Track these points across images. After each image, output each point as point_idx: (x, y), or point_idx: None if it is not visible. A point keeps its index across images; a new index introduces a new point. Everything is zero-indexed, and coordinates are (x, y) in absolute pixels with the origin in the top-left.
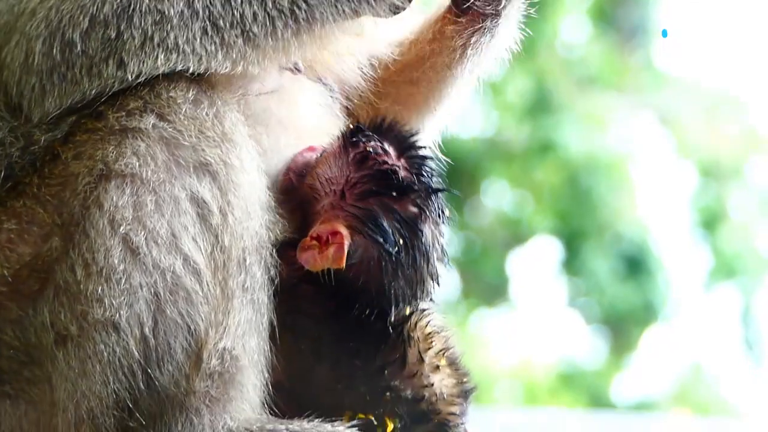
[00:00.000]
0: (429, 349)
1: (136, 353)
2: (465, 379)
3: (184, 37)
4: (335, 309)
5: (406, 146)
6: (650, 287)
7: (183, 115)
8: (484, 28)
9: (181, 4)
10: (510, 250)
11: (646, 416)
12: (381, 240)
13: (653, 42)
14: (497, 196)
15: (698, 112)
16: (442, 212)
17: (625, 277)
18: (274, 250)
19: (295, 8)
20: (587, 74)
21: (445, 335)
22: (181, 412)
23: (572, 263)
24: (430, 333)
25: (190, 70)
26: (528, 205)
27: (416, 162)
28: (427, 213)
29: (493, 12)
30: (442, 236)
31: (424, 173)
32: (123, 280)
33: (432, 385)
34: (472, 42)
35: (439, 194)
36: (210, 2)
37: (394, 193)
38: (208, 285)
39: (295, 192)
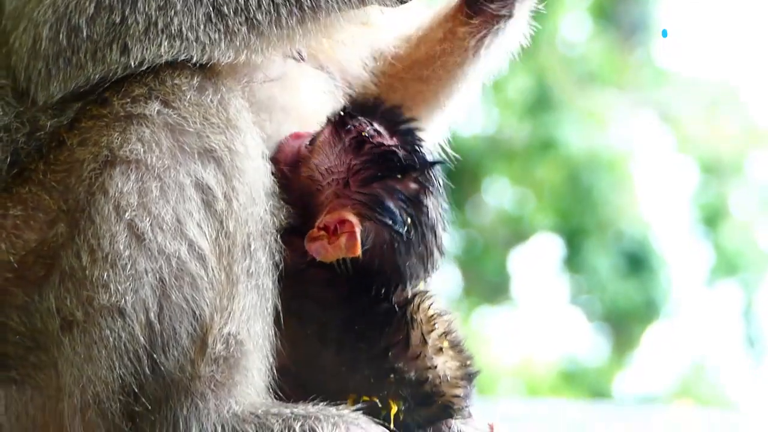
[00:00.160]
0: (432, 331)
1: (142, 338)
2: (468, 362)
3: (188, 24)
4: (343, 293)
5: (395, 124)
6: (652, 284)
7: (188, 102)
8: (497, 29)
9: None
10: (511, 247)
11: (648, 408)
12: (390, 222)
13: (653, 39)
14: (498, 194)
15: (699, 108)
16: (439, 183)
17: (627, 275)
18: (278, 236)
19: None
20: (588, 71)
21: (447, 318)
22: (187, 397)
23: (574, 260)
24: (432, 315)
25: (194, 59)
26: (529, 202)
27: (409, 138)
28: (428, 187)
29: (507, 14)
30: (443, 207)
31: (418, 148)
32: (128, 266)
33: (435, 367)
34: (485, 43)
35: (435, 166)
36: None
37: (397, 174)
38: (213, 270)
39: (292, 184)
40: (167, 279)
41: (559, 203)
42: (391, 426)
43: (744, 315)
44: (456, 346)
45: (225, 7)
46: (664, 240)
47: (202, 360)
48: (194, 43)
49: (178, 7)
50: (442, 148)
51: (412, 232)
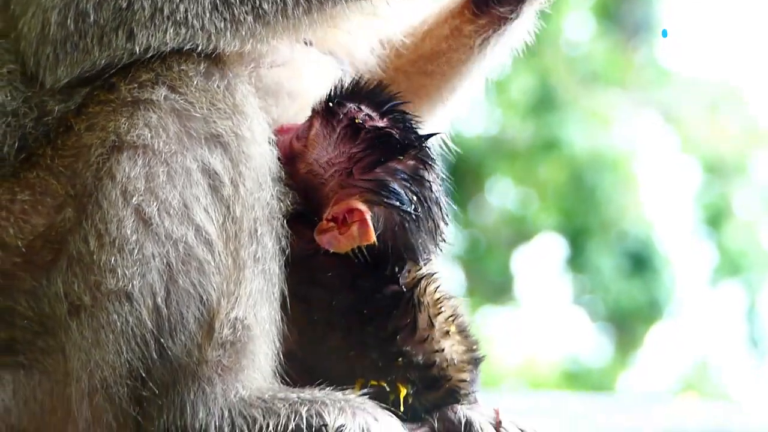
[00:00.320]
0: (439, 314)
1: (149, 323)
2: (474, 347)
3: (194, 11)
4: (350, 278)
5: (381, 104)
6: (655, 284)
7: (194, 88)
8: (503, 29)
9: None
10: (515, 247)
11: (651, 401)
12: (398, 203)
13: (657, 39)
14: (502, 194)
15: (702, 109)
16: (433, 154)
17: (630, 275)
18: (285, 221)
19: None
20: (591, 71)
21: (454, 303)
22: (194, 381)
23: (577, 260)
24: (439, 298)
25: (199, 48)
26: (532, 202)
27: (398, 116)
28: (426, 161)
29: (515, 17)
30: (441, 177)
31: (409, 125)
32: (135, 251)
33: (442, 350)
34: (490, 43)
35: (428, 139)
36: None
37: (397, 155)
38: (220, 255)
39: (292, 179)
40: (174, 264)
41: (562, 203)
42: (399, 410)
43: (747, 315)
44: (462, 331)
45: None
46: (668, 240)
47: (209, 344)
48: (200, 32)
49: None
50: (445, 148)
51: (420, 209)
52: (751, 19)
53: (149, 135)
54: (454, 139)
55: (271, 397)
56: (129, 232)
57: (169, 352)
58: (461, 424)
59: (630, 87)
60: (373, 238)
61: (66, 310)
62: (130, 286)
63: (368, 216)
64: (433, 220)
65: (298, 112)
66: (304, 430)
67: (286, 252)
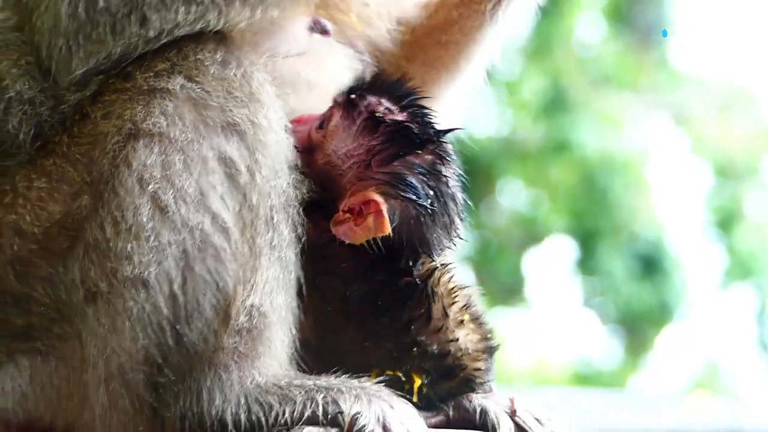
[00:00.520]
0: (453, 304)
1: (165, 310)
2: (489, 336)
3: None
4: (365, 269)
5: (401, 98)
6: (666, 287)
7: (211, 76)
8: None
9: None
10: (525, 249)
11: (661, 401)
12: (414, 197)
13: (668, 41)
14: (512, 196)
15: (713, 111)
16: (452, 149)
17: (641, 277)
18: (301, 209)
19: None
20: (602, 73)
21: (467, 292)
22: (210, 368)
23: (587, 263)
24: (453, 288)
25: (211, 24)
26: (543, 204)
27: (417, 110)
28: (443, 156)
29: None
30: (458, 172)
31: (428, 119)
32: (152, 238)
33: (457, 340)
34: (502, 6)
35: (446, 134)
36: None
37: (415, 149)
38: (236, 243)
39: (309, 170)
40: (190, 251)
41: (573, 205)
42: (414, 399)
43: (758, 318)
44: (476, 320)
45: None
46: (678, 243)
47: (225, 331)
48: (209, 5)
49: None
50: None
51: (436, 203)
52: (763, 21)
53: (165, 123)
54: (465, 140)
55: (287, 384)
56: (145, 219)
57: (185, 339)
58: (476, 412)
59: (641, 89)
60: (389, 230)
61: (82, 297)
62: (147, 273)
63: (384, 208)
64: (449, 215)
65: (316, 101)
66: (320, 416)
67: (302, 240)
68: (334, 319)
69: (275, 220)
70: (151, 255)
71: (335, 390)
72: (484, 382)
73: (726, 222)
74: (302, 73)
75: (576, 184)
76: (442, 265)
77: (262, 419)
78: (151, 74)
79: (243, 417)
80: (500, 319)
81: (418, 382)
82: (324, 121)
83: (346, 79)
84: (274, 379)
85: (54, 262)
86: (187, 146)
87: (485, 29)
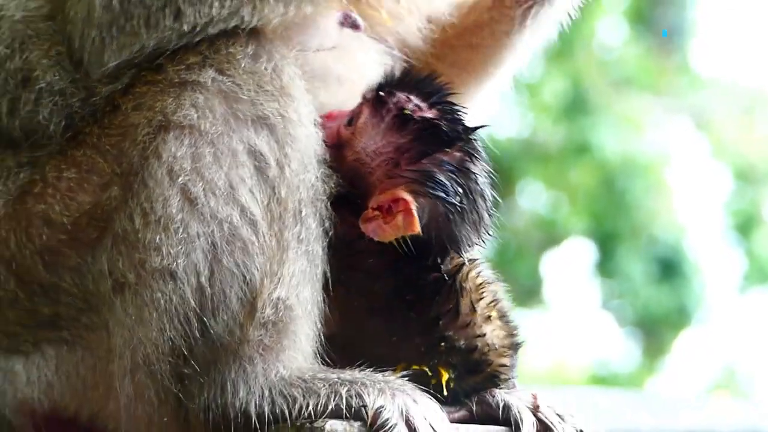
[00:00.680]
0: (480, 299)
1: (192, 302)
2: (514, 332)
3: None
4: (393, 264)
5: (430, 95)
6: (684, 290)
7: (242, 70)
8: (544, 1)
9: None
10: (544, 251)
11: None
12: (443, 195)
13: (690, 44)
14: (532, 197)
15: (733, 115)
16: (480, 146)
17: (660, 280)
18: (329, 204)
19: None
20: (624, 76)
21: (494, 288)
22: (235, 360)
23: (606, 265)
24: (481, 283)
25: (245, 21)
26: (563, 206)
27: (446, 108)
28: (473, 154)
29: None
30: (487, 169)
31: (458, 117)
32: (180, 230)
33: (484, 335)
34: (531, 13)
35: (475, 131)
36: None
37: (444, 147)
38: (264, 236)
39: (338, 166)
40: (219, 243)
41: (592, 207)
42: (440, 394)
43: None
44: (503, 316)
45: None
46: (697, 246)
47: (251, 324)
48: (244, 1)
49: None
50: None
51: (465, 201)
52: None
53: (196, 115)
54: (486, 141)
55: (312, 377)
56: (174, 211)
57: (212, 331)
58: (499, 408)
59: (662, 92)
60: (418, 228)
61: (110, 288)
62: (175, 264)
63: (413, 206)
64: (478, 213)
65: (346, 96)
66: (344, 410)
67: (330, 234)
68: (360, 314)
69: (303, 213)
70: (180, 247)
71: (359, 383)
72: (509, 378)
73: (745, 226)
74: (333, 68)
75: (596, 186)
76: (470, 260)
77: (286, 412)
78: (183, 67)
79: (267, 409)
80: (518, 321)
81: (444, 376)
82: (353, 117)
83: (377, 75)
84: (298, 372)
85: (82, 252)
86: (217, 139)
87: (515, 35)
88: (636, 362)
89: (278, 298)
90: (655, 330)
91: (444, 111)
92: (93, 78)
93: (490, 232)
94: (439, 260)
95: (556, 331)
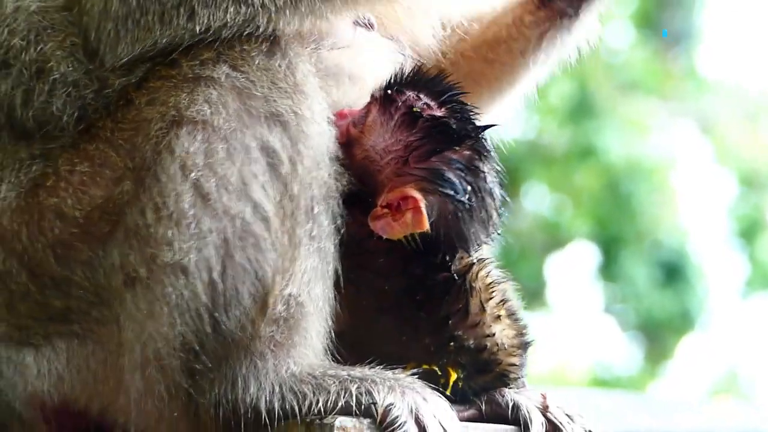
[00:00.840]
0: (490, 299)
1: (204, 297)
2: (524, 331)
3: None
4: (403, 264)
5: (440, 93)
6: (687, 295)
7: (256, 67)
8: (561, 26)
9: None
10: (548, 254)
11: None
12: (452, 193)
13: (696, 48)
14: (536, 200)
15: (739, 120)
16: (489, 145)
17: (663, 285)
18: (341, 201)
19: None
20: (629, 79)
21: (504, 287)
22: (246, 356)
23: (610, 269)
24: (490, 283)
25: (260, 29)
26: (567, 209)
27: (455, 106)
28: (481, 151)
29: (572, 13)
30: (496, 167)
31: (467, 115)
32: (193, 225)
33: (493, 335)
34: (547, 36)
35: (485, 130)
36: None
37: (453, 146)
38: (276, 232)
39: (347, 166)
40: (231, 239)
41: (596, 211)
42: (449, 393)
43: None
44: (512, 315)
45: None
46: (701, 251)
47: (262, 320)
48: (260, 9)
49: None
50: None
51: (473, 199)
52: None
53: (209, 111)
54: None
55: (322, 373)
56: (187, 206)
57: (223, 327)
58: (508, 407)
59: (668, 96)
60: (427, 226)
61: (121, 282)
62: (186, 259)
63: (422, 204)
64: (486, 211)
65: (359, 95)
66: (354, 407)
67: (341, 232)
68: (370, 313)
69: (315, 210)
70: (192, 242)
71: (369, 381)
72: (518, 378)
73: (749, 231)
74: (345, 67)
75: (600, 189)
76: (479, 260)
77: (296, 408)
78: (197, 62)
79: (277, 405)
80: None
81: (454, 376)
82: (362, 116)
83: (389, 74)
84: (308, 369)
85: (94, 246)
86: (230, 135)
87: (530, 55)
88: (638, 366)
89: (290, 295)
90: (658, 334)
91: (453, 109)
92: (107, 68)
93: (499, 230)
94: (447, 258)
95: (558, 333)
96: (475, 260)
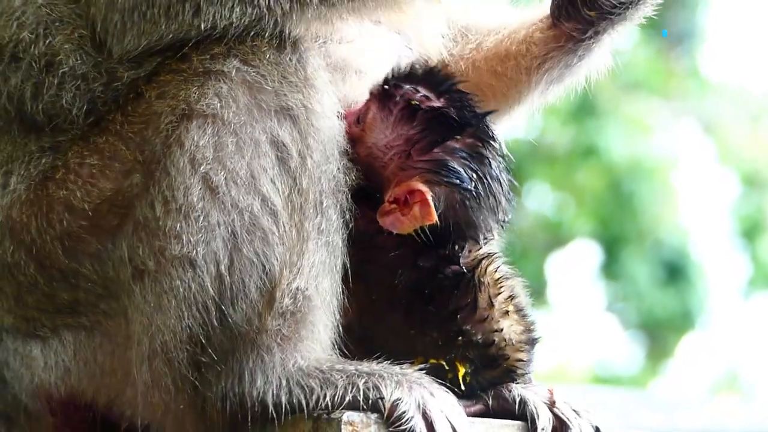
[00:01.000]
0: (498, 294)
1: (211, 290)
2: (532, 327)
3: None
4: (412, 258)
5: (438, 84)
6: (689, 294)
7: (266, 61)
8: (567, 49)
9: None
10: (550, 253)
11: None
12: (458, 182)
13: (699, 49)
14: (539, 199)
15: (741, 120)
16: (492, 131)
17: (664, 284)
18: (350, 196)
19: None
20: (632, 79)
21: (512, 283)
22: (253, 350)
23: (611, 268)
24: (499, 278)
25: (267, 32)
26: (569, 208)
27: (454, 96)
28: (484, 138)
29: (578, 38)
30: (500, 153)
31: (467, 103)
32: (201, 218)
33: (501, 330)
34: (550, 56)
35: (486, 117)
36: None
37: (455, 135)
38: (284, 226)
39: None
40: (239, 232)
41: (598, 210)
42: (457, 388)
43: None
44: (520, 311)
45: None
46: (703, 250)
47: (269, 314)
48: (266, 12)
49: None
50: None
51: (480, 186)
52: None
53: (219, 105)
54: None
55: (329, 368)
56: (195, 199)
57: (230, 320)
58: (515, 402)
59: (671, 96)
60: (435, 217)
61: (130, 274)
62: (194, 252)
63: (429, 196)
64: (494, 197)
65: (365, 90)
66: (361, 401)
67: (350, 226)
68: (379, 308)
69: (324, 205)
70: (200, 235)
71: (376, 376)
72: (525, 373)
73: (751, 231)
74: (353, 61)
75: (602, 188)
76: (488, 255)
77: (303, 402)
78: (207, 56)
79: (284, 399)
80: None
81: (461, 371)
82: (362, 114)
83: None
84: (316, 363)
85: (103, 238)
86: (240, 129)
87: (534, 75)
88: (639, 365)
89: (297, 289)
90: (659, 333)
91: (452, 99)
92: (115, 60)
93: (509, 216)
94: (457, 249)
95: (559, 332)
96: (484, 255)
